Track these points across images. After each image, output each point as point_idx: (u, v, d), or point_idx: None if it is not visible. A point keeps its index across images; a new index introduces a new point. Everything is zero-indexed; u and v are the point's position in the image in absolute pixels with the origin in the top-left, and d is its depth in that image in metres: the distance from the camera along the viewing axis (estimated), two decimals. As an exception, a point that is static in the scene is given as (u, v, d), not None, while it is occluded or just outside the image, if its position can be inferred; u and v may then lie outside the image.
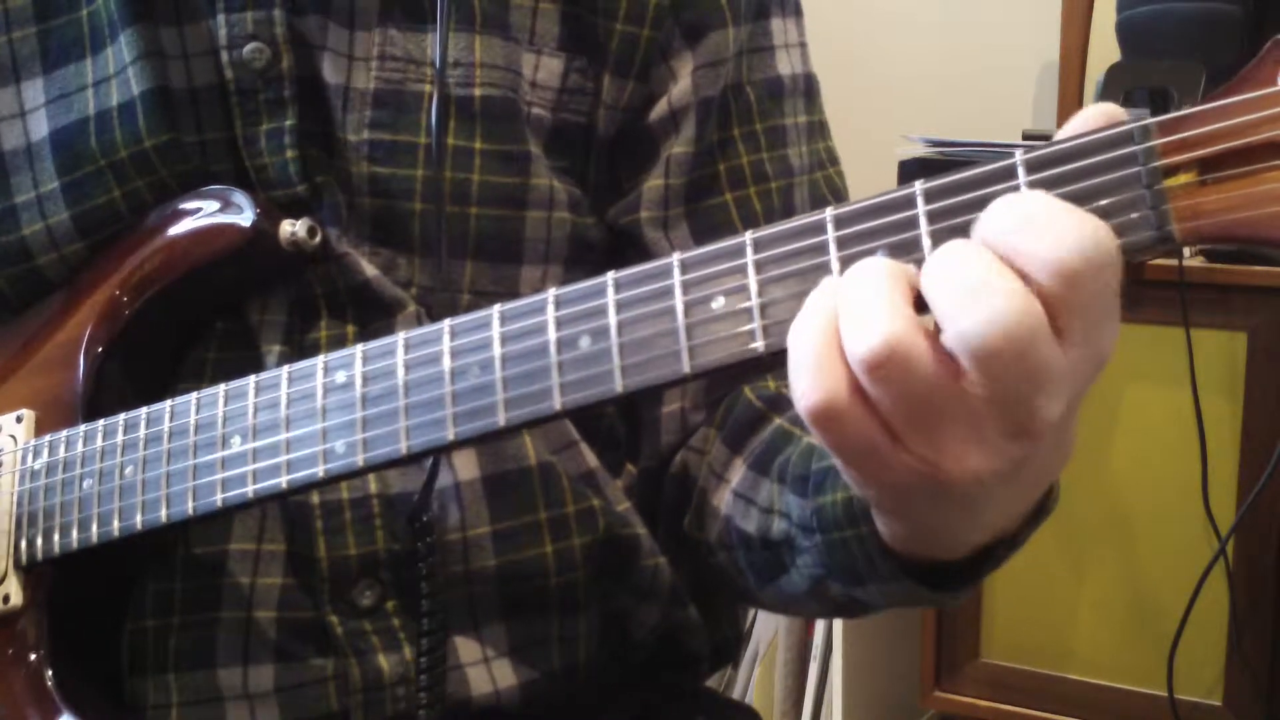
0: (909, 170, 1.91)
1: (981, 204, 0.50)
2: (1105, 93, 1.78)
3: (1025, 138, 2.00)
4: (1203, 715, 1.84)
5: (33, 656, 0.76)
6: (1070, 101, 2.19)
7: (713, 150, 0.85)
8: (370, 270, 0.78)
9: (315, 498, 0.76)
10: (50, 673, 0.76)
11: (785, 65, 0.88)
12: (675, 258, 0.56)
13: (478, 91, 0.79)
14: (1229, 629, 1.82)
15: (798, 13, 0.91)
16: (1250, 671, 1.80)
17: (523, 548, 0.80)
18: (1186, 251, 1.85)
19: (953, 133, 1.92)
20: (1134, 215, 0.48)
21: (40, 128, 0.81)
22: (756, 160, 0.86)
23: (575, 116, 0.82)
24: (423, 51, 0.79)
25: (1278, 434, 1.74)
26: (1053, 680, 1.95)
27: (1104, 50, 2.08)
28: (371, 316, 0.79)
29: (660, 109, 0.84)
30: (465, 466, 0.79)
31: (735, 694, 2.10)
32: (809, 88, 0.91)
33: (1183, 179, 0.47)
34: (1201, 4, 1.89)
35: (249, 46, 0.77)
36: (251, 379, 0.69)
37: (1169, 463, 1.84)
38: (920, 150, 1.91)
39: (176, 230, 0.78)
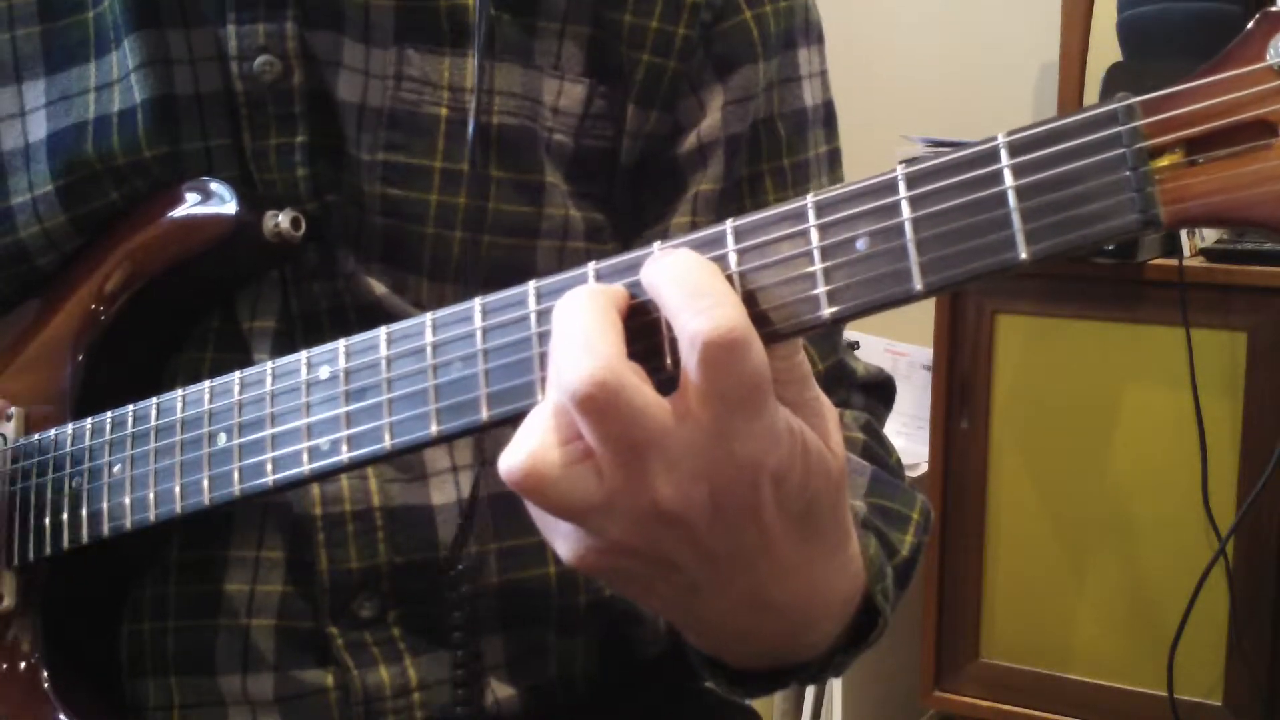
0: (908, 170, 1.90)
1: (965, 187, 0.49)
2: (1105, 93, 1.78)
3: (1025, 137, 2.00)
4: (1203, 715, 1.84)
5: (28, 657, 0.75)
6: (1070, 101, 2.19)
7: (741, 186, 0.84)
8: (380, 289, 0.77)
9: (317, 509, 0.76)
10: (46, 674, 0.75)
11: (809, 96, 0.87)
12: (656, 247, 0.55)
13: (495, 119, 0.78)
14: (1229, 629, 1.82)
15: (820, 39, 0.89)
16: (1250, 671, 1.80)
17: (527, 567, 0.79)
18: (1186, 251, 1.85)
19: (953, 133, 1.92)
20: (1118, 199, 0.47)
21: (39, 129, 0.80)
22: (781, 198, 0.84)
23: (599, 142, 0.81)
24: (439, 75, 0.77)
25: (1278, 434, 1.74)
26: (1053, 680, 1.94)
27: (1104, 50, 2.08)
28: None
29: (689, 143, 0.82)
30: (472, 484, 0.78)
31: (734, 695, 2.09)
32: (828, 116, 0.90)
33: (1169, 160, 0.45)
34: (1201, 4, 1.89)
35: (259, 59, 0.75)
36: (236, 375, 0.68)
37: (1169, 463, 1.84)
38: (920, 150, 1.91)
39: (160, 223, 0.77)
